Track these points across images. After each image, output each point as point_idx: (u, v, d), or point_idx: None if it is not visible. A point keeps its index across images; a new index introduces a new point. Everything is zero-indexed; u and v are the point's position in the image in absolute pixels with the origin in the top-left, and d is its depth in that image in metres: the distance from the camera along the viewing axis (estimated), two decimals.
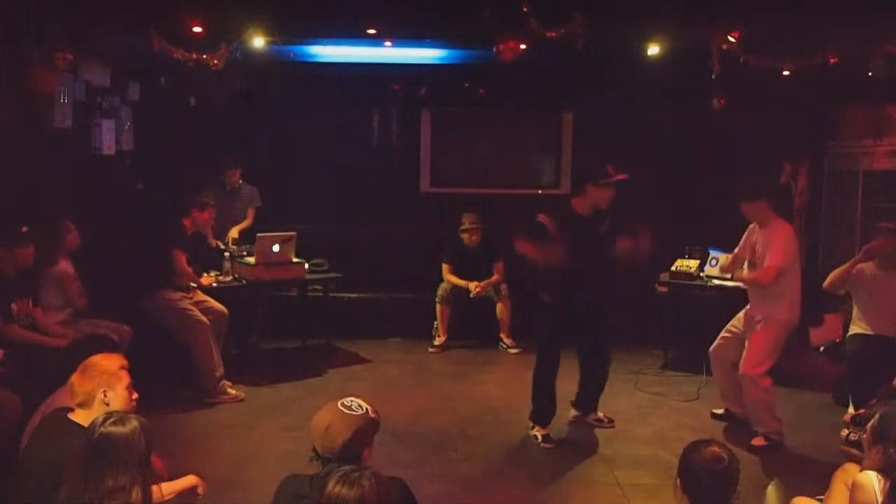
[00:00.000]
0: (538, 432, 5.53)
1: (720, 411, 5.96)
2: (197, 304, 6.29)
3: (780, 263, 5.33)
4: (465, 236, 7.91)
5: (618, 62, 6.84)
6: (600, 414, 5.87)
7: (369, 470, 2.35)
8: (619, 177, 5.33)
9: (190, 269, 6.29)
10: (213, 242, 7.12)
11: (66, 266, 5.78)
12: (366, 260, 8.01)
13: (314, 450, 2.71)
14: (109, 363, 3.15)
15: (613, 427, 5.81)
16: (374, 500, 2.25)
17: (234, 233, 7.55)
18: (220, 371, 6.11)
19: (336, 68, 7.76)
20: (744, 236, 5.73)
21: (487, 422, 5.92)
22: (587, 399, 5.84)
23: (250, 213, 7.76)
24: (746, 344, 5.52)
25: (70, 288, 5.75)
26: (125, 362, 3.21)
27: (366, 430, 2.71)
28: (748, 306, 5.69)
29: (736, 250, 5.83)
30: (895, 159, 7.38)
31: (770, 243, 5.41)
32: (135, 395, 3.18)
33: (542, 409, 5.56)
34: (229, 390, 6.15)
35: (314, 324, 7.51)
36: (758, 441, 5.44)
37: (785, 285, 5.38)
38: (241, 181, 7.74)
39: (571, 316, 5.41)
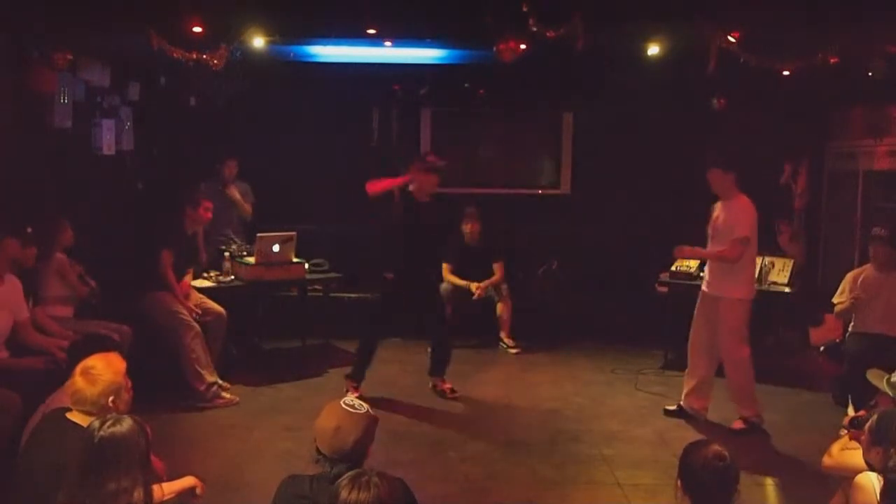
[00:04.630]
0: (353, 392, 5.96)
1: (672, 407, 5.96)
2: (197, 304, 6.28)
3: (748, 234, 5.47)
4: (465, 228, 7.91)
5: (618, 62, 6.84)
6: (447, 385, 6.37)
7: (373, 470, 2.34)
8: (438, 162, 6.15)
9: (172, 275, 6.11)
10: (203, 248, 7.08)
11: (62, 257, 5.78)
12: (366, 260, 8.01)
13: (318, 451, 2.70)
14: (113, 369, 3.10)
15: (457, 398, 6.26)
16: (389, 500, 2.24)
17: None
18: (211, 378, 5.99)
19: (336, 68, 7.75)
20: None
21: (487, 422, 5.92)
22: (435, 365, 6.44)
23: (248, 207, 7.72)
24: (719, 332, 5.62)
25: (71, 277, 5.76)
26: (125, 364, 3.20)
27: (371, 427, 2.73)
28: (703, 287, 5.78)
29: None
30: (895, 159, 7.38)
31: (735, 217, 5.51)
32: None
33: (359, 370, 6.24)
34: (224, 394, 6.05)
35: (314, 324, 7.50)
36: (738, 424, 5.62)
37: (745, 262, 5.54)
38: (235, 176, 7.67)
39: (409, 290, 6.09)
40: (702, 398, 5.81)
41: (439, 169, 6.12)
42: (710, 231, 5.71)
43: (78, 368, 3.08)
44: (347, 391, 6.05)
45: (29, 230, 5.34)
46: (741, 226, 5.47)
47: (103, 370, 3.06)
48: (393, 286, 6.12)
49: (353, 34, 6.64)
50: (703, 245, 5.80)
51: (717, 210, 5.68)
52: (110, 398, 3.03)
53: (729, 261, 5.49)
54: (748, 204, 5.56)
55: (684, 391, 5.90)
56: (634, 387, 6.71)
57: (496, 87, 8.44)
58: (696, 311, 5.83)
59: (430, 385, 6.48)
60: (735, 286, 5.53)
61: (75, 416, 3.02)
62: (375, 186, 5.94)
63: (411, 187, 6.06)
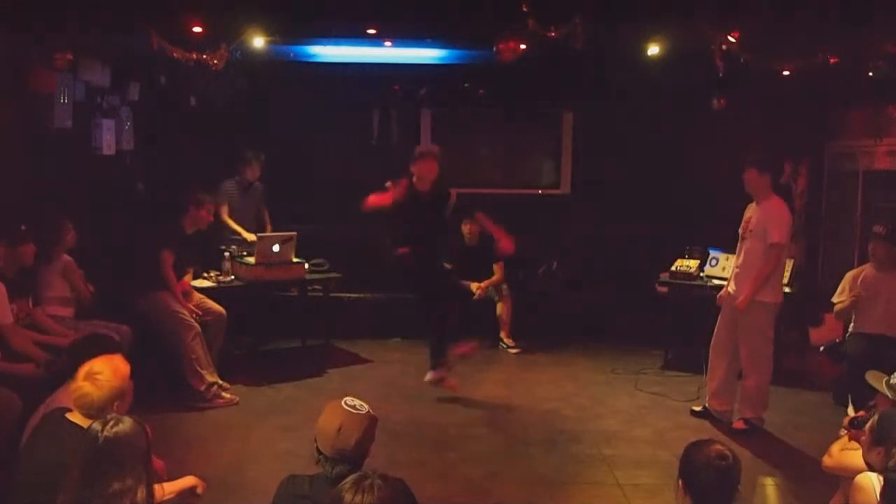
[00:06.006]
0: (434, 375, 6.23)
1: (699, 408, 6.01)
2: (197, 305, 6.28)
3: (783, 241, 5.49)
4: (465, 229, 7.91)
5: (618, 62, 6.84)
6: (452, 381, 6.35)
7: (375, 472, 2.34)
8: (423, 148, 6.26)
9: (172, 274, 6.16)
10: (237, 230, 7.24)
11: (69, 259, 5.79)
12: (366, 260, 8.01)
13: (319, 451, 2.70)
14: (120, 374, 3.08)
15: (456, 391, 6.28)
16: (392, 503, 2.24)
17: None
18: (211, 378, 6.02)
19: (336, 68, 7.75)
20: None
21: (487, 422, 5.92)
22: (437, 354, 6.34)
23: (264, 210, 7.72)
24: (742, 333, 5.62)
25: (76, 278, 5.76)
26: (129, 367, 3.18)
27: (372, 427, 2.74)
28: (729, 287, 5.78)
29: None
30: (895, 159, 7.37)
31: (769, 219, 5.51)
32: None
33: (439, 352, 6.30)
34: (224, 394, 6.07)
35: (314, 324, 7.50)
36: (738, 424, 5.66)
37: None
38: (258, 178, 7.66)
39: (418, 267, 6.14)
40: (724, 401, 5.83)
41: (429, 154, 6.11)
42: (741, 232, 5.72)
43: (82, 372, 3.04)
44: (432, 376, 6.25)
45: (22, 227, 5.31)
46: (775, 231, 5.47)
47: (110, 376, 3.03)
48: (408, 259, 6.11)
49: (353, 34, 6.64)
50: (732, 245, 5.85)
51: (750, 211, 5.69)
52: (116, 403, 3.02)
53: (769, 269, 5.49)
54: (783, 206, 5.60)
55: (708, 394, 5.93)
56: (634, 387, 6.71)
57: (496, 87, 8.44)
58: (720, 314, 5.83)
59: (431, 377, 6.31)
60: (764, 290, 5.52)
61: (75, 417, 3.02)
62: (371, 202, 5.98)
63: (413, 179, 6.09)
